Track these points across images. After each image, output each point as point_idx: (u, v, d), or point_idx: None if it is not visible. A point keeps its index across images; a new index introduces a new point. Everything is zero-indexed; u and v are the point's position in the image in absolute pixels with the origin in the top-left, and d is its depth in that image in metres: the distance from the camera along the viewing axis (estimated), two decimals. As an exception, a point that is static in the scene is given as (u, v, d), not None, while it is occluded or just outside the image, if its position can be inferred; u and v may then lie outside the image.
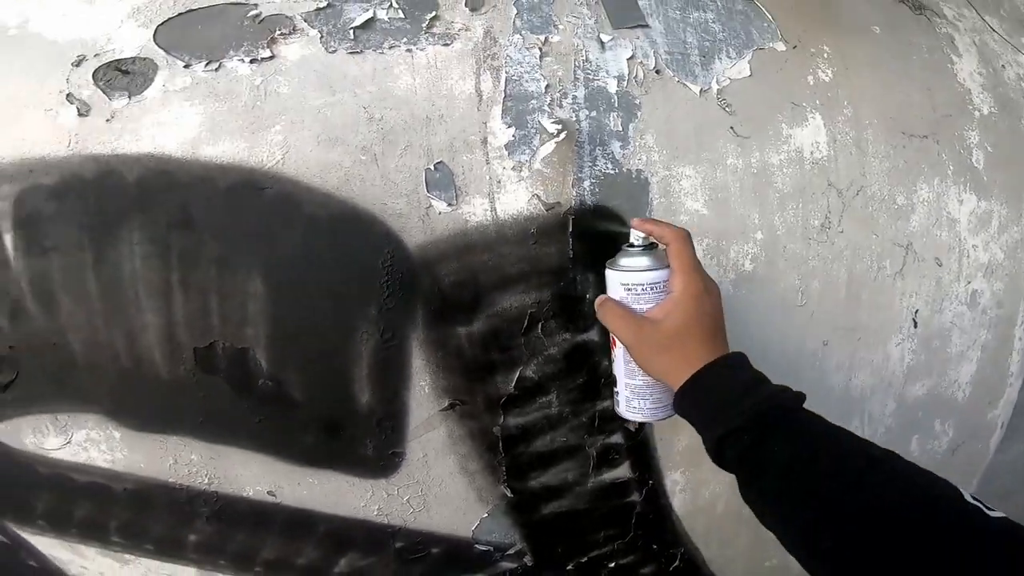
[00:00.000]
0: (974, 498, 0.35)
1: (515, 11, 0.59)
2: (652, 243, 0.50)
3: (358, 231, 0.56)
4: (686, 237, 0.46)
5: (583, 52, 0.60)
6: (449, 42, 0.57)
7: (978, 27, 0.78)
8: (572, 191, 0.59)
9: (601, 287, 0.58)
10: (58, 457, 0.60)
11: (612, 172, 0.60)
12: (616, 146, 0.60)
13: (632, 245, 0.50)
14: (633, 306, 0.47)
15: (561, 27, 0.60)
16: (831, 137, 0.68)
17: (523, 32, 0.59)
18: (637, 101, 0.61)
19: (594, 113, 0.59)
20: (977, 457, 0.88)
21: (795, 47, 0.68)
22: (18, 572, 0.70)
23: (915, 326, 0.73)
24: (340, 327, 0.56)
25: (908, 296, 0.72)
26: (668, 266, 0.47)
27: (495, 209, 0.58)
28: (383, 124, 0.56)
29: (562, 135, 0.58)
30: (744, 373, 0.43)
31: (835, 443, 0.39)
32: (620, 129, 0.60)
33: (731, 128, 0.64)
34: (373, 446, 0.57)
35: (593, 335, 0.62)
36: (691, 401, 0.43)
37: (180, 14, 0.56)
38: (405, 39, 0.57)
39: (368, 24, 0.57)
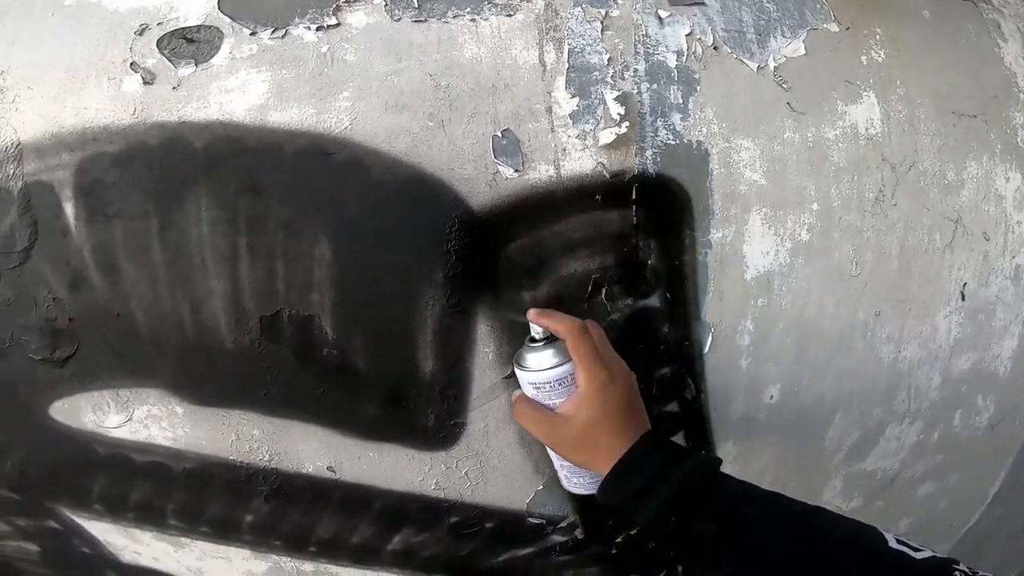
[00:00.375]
0: (899, 540, 0.36)
1: None
2: (553, 336, 0.48)
3: (426, 196, 0.55)
4: (581, 329, 0.45)
5: (643, 27, 0.59)
6: (512, 12, 0.56)
7: (1022, 13, 0.77)
8: (635, 160, 0.58)
9: (662, 253, 0.57)
10: (118, 436, 0.58)
11: (673, 143, 0.59)
12: (677, 118, 0.59)
13: (534, 340, 0.48)
14: (545, 402, 0.47)
15: (620, 2, 0.59)
16: (885, 114, 0.67)
17: (583, 5, 0.58)
18: (696, 76, 0.60)
19: (655, 86, 0.58)
20: (1012, 437, 0.85)
21: (848, 28, 0.67)
22: (70, 560, 0.67)
23: (963, 299, 0.71)
24: (406, 292, 0.55)
25: (957, 269, 0.71)
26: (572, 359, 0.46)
27: (560, 176, 0.57)
28: (449, 91, 0.55)
29: (628, 105, 0.57)
30: (658, 454, 0.42)
31: (757, 508, 0.40)
32: (680, 102, 0.59)
33: (787, 104, 0.63)
34: (435, 416, 0.56)
35: (654, 301, 0.61)
36: (613, 492, 0.43)
37: None
38: (469, 8, 0.56)
39: None
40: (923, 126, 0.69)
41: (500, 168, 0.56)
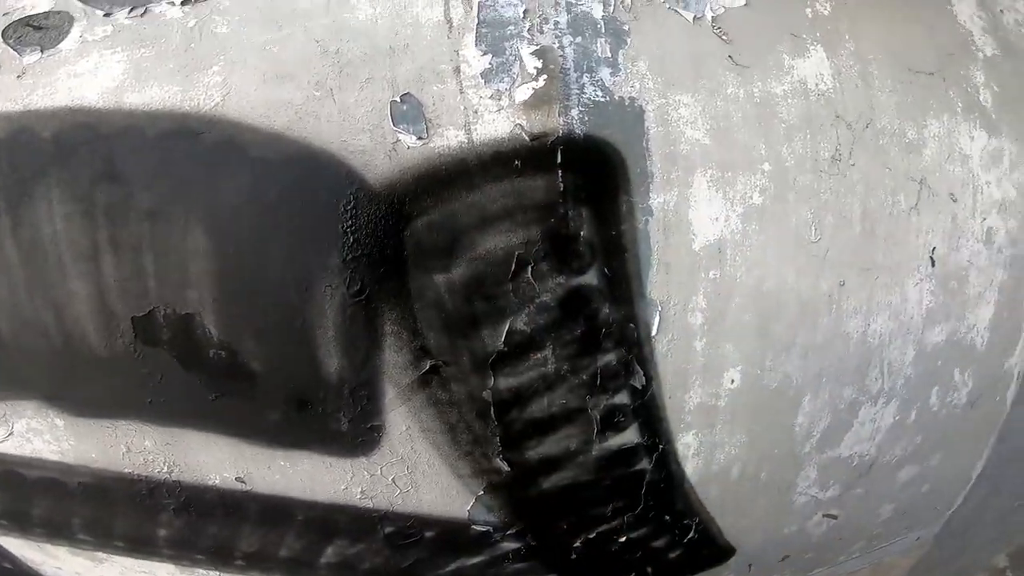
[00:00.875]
0: None
1: None
2: None
3: (314, 172, 0.47)
4: None
5: None
6: None
7: None
8: (559, 120, 0.49)
9: (595, 223, 0.50)
10: (3, 451, 0.51)
11: (602, 100, 0.50)
12: (605, 73, 0.51)
13: None
14: None
15: None
16: (835, 70, 0.58)
17: None
18: (626, 27, 0.52)
19: (579, 39, 0.50)
20: (994, 413, 0.76)
21: None
22: (-3, 574, 0.61)
23: (932, 265, 0.62)
24: (298, 282, 0.47)
25: (924, 232, 0.62)
26: None
27: (472, 141, 0.48)
28: (339, 57, 0.47)
29: (546, 60, 0.49)
30: None
31: None
32: (609, 55, 0.51)
33: (729, 56, 0.54)
34: (348, 420, 0.49)
35: (590, 278, 0.52)
36: None
37: None
38: None
39: None
40: (878, 82, 0.60)
41: (400, 136, 0.47)
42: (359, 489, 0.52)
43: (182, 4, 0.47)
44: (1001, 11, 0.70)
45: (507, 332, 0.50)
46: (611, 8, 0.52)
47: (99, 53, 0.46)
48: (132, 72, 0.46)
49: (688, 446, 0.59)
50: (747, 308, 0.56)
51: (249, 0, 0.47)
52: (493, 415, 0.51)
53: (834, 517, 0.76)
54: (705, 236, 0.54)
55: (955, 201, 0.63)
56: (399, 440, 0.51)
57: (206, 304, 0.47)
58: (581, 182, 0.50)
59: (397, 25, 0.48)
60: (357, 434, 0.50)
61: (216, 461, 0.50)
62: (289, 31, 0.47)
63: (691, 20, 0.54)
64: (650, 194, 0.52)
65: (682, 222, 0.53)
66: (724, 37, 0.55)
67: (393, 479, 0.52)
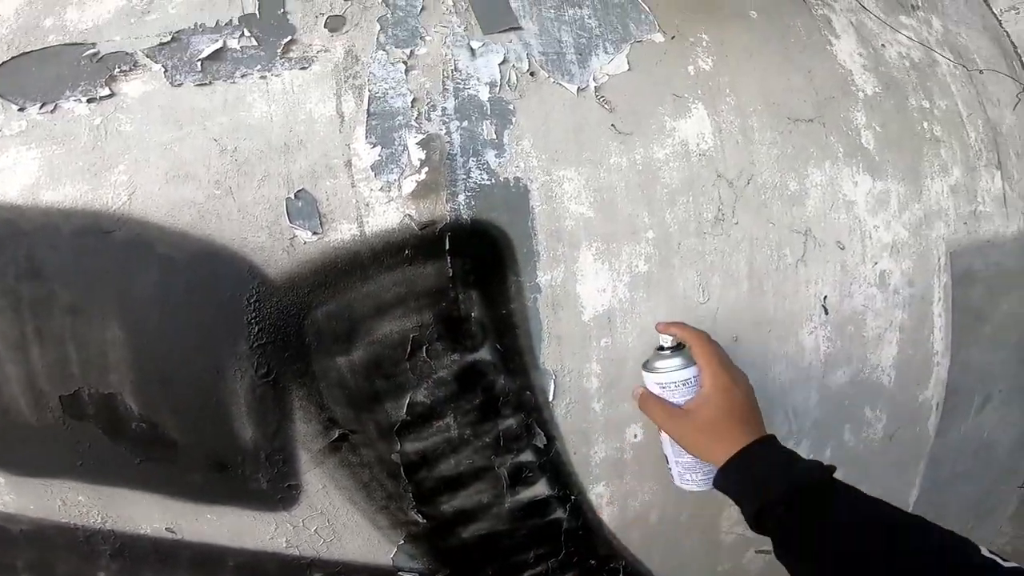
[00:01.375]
0: (990, 552, 0.37)
1: (379, 27, 0.53)
2: (680, 343, 0.52)
3: (218, 268, 0.51)
4: (707, 337, 0.50)
5: (452, 61, 0.54)
6: (307, 65, 0.52)
7: (854, 7, 0.73)
8: (446, 207, 0.53)
9: (485, 304, 0.54)
10: None
11: (488, 183, 0.54)
12: (491, 155, 0.54)
13: (662, 348, 0.52)
14: (669, 399, 0.51)
15: (429, 38, 0.55)
16: (716, 127, 0.61)
17: (388, 47, 0.53)
18: (511, 106, 0.55)
19: (466, 123, 0.54)
20: (918, 442, 0.79)
21: (673, 37, 0.62)
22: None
23: (825, 312, 0.66)
24: (209, 367, 0.51)
25: (813, 283, 0.65)
26: (696, 363, 0.50)
27: (364, 233, 0.51)
28: (237, 155, 0.51)
29: (429, 150, 0.53)
30: (775, 454, 0.46)
31: (860, 515, 0.42)
32: (494, 137, 0.54)
33: (612, 125, 0.57)
34: (266, 480, 0.53)
35: (484, 354, 0.55)
36: (731, 481, 0.46)
37: (14, 57, 0.51)
38: (259, 66, 0.52)
39: (217, 55, 0.52)
40: (758, 135, 0.63)
41: (297, 232, 0.51)
42: (284, 539, 0.56)
43: (88, 101, 0.51)
44: (883, 45, 0.73)
45: (408, 404, 0.54)
46: (497, 89, 0.55)
47: (16, 149, 0.50)
48: (46, 169, 0.49)
49: (601, 496, 0.62)
50: (645, 367, 0.60)
51: (151, 98, 0.51)
52: (403, 475, 0.55)
53: (768, 552, 0.81)
54: (594, 307, 0.57)
55: (843, 249, 0.66)
56: (317, 497, 0.54)
57: (126, 386, 0.51)
58: (470, 266, 0.53)
59: (291, 121, 0.52)
60: (276, 492, 0.53)
61: (146, 514, 0.54)
62: (189, 130, 0.51)
63: (575, 92, 0.58)
64: (537, 272, 0.55)
65: (570, 296, 0.57)
66: (607, 106, 0.58)
67: (316, 530, 0.56)
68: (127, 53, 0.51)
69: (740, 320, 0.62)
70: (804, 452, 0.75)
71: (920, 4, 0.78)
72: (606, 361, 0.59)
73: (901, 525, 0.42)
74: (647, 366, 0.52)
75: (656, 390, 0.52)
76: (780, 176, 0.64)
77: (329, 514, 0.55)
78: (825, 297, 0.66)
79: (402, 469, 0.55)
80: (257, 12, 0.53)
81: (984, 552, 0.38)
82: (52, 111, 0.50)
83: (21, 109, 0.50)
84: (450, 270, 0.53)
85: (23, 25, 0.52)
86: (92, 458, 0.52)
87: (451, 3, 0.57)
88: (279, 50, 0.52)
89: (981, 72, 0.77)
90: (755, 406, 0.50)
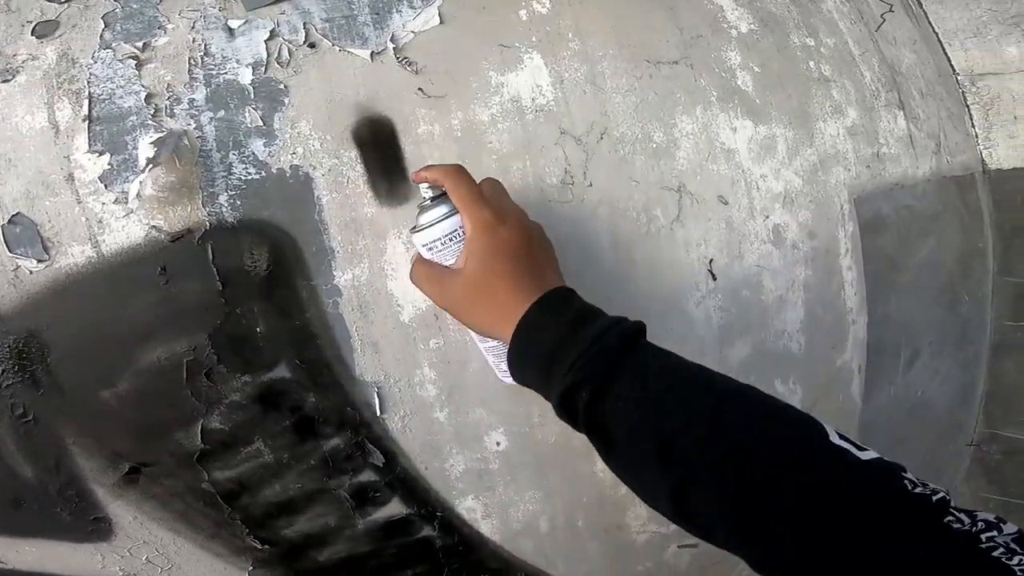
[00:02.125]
0: (841, 436, 0.30)
1: (103, 24, 0.43)
2: (442, 193, 0.39)
3: None
4: (458, 171, 0.37)
5: (201, 47, 0.44)
6: (10, 77, 0.42)
7: None
8: (204, 211, 0.42)
9: (271, 316, 0.44)
10: None
11: (257, 176, 0.43)
12: (258, 144, 0.44)
13: (423, 201, 0.39)
14: (443, 263, 0.38)
15: (171, 27, 0.44)
16: (556, 77, 0.51)
17: (115, 44, 0.43)
18: (283, 86, 0.44)
19: (222, 113, 0.43)
20: (844, 411, 0.70)
21: None
22: None
23: (713, 278, 0.56)
24: None
25: (695, 246, 0.55)
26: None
27: (102, 254, 0.41)
28: None
29: (171, 148, 0.41)
30: (567, 312, 0.34)
31: (679, 384, 0.33)
32: (261, 124, 0.44)
33: (419, 90, 0.47)
34: (68, 514, 0.45)
35: (282, 372, 0.45)
36: (521, 359, 0.34)
37: None
38: None
39: None
40: (611, 83, 0.52)
41: (20, 262, 0.40)
42: (118, 567, 0.47)
43: None
44: None
45: (202, 432, 0.44)
46: (263, 69, 0.44)
47: None
48: None
49: (473, 510, 0.52)
50: (488, 371, 0.48)
51: None
52: (223, 503, 0.46)
53: (693, 547, 0.72)
54: (415, 305, 0.47)
55: (726, 204, 0.56)
56: (132, 528, 0.46)
57: None
58: (244, 275, 0.43)
59: None
60: (84, 525, 0.45)
61: None
62: None
63: (368, 57, 0.47)
64: (334, 272, 0.45)
65: (380, 296, 0.46)
66: (411, 68, 0.47)
67: (147, 558, 0.47)
68: None
69: (608, 299, 0.51)
70: None
71: None
72: (441, 365, 0.48)
73: (734, 395, 0.33)
74: (412, 228, 0.40)
75: (426, 255, 0.39)
76: (641, 127, 0.53)
77: (155, 544, 0.47)
78: (711, 261, 0.56)
79: (219, 498, 0.46)
80: None
81: (833, 437, 0.30)
82: None
83: None
84: (219, 283, 0.42)
85: None
86: None
87: None
88: None
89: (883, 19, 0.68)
90: (539, 251, 0.37)
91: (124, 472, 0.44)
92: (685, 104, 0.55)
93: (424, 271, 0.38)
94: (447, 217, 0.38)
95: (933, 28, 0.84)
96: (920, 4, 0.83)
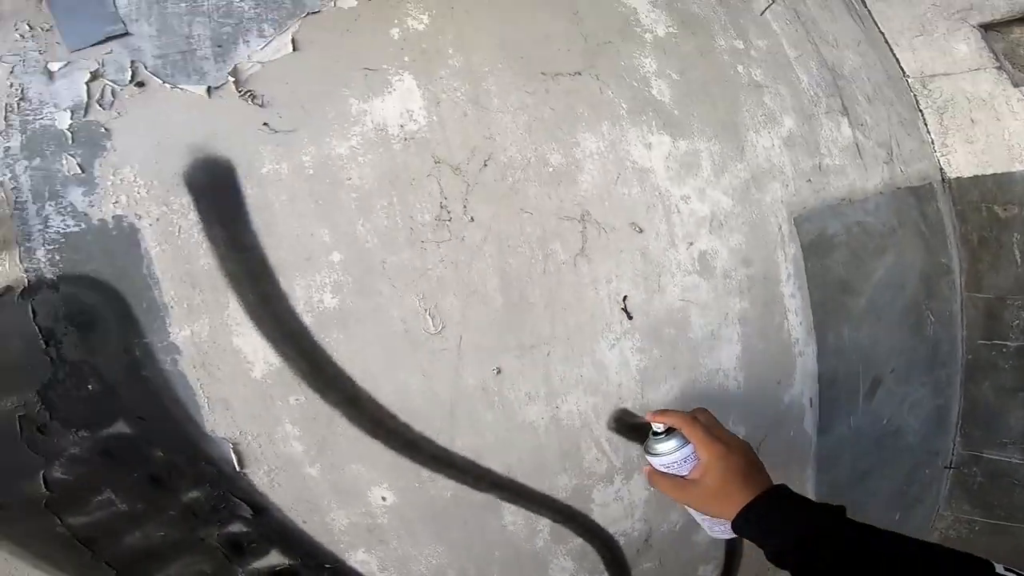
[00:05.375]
0: (1007, 568, 0.34)
1: None
2: (670, 428, 0.49)
3: None
4: (692, 419, 0.47)
5: (18, 91, 0.36)
6: None
7: None
8: (21, 268, 0.34)
9: (103, 373, 0.36)
10: None
11: (76, 229, 0.35)
12: (77, 194, 0.36)
13: (656, 433, 0.48)
14: (676, 473, 0.49)
15: None
16: (431, 99, 0.41)
17: None
18: (106, 129, 0.36)
19: (38, 161, 0.35)
20: (794, 447, 0.58)
21: None
22: None
23: (629, 317, 0.45)
24: None
25: (604, 281, 0.44)
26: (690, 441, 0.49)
27: None
28: None
29: None
30: (781, 505, 0.45)
31: (875, 549, 0.40)
32: (79, 172, 0.35)
33: (264, 124, 0.37)
34: None
35: (122, 427, 0.37)
36: (745, 532, 0.45)
37: None
38: None
39: None
40: (497, 101, 0.42)
41: None
42: None
43: None
44: None
45: (46, 481, 0.37)
46: (83, 112, 0.36)
47: None
48: None
49: (367, 563, 0.44)
50: (363, 426, 0.39)
51: None
52: (84, 547, 0.39)
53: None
54: (267, 362, 0.37)
55: (640, 232, 0.45)
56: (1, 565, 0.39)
57: None
58: (70, 334, 0.35)
59: None
60: None
61: None
62: None
63: (204, 94, 0.38)
64: (169, 329, 0.36)
65: (226, 352, 0.37)
66: (256, 101, 0.38)
67: None
68: None
69: (502, 347, 0.41)
70: (642, 486, 0.57)
71: None
72: (305, 420, 0.39)
73: (912, 557, 0.39)
74: (647, 449, 0.50)
75: (660, 468, 0.50)
76: (535, 149, 0.43)
77: None
78: (625, 297, 0.45)
79: (78, 542, 0.39)
80: None
81: (999, 570, 0.35)
82: None
83: None
84: (43, 341, 0.34)
85: None
86: None
87: (27, 28, 0.37)
88: None
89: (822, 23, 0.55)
90: (754, 461, 0.48)
91: None
92: (589, 120, 0.44)
93: (666, 480, 0.49)
94: (680, 448, 0.48)
95: (879, 28, 0.71)
96: (864, 3, 0.70)
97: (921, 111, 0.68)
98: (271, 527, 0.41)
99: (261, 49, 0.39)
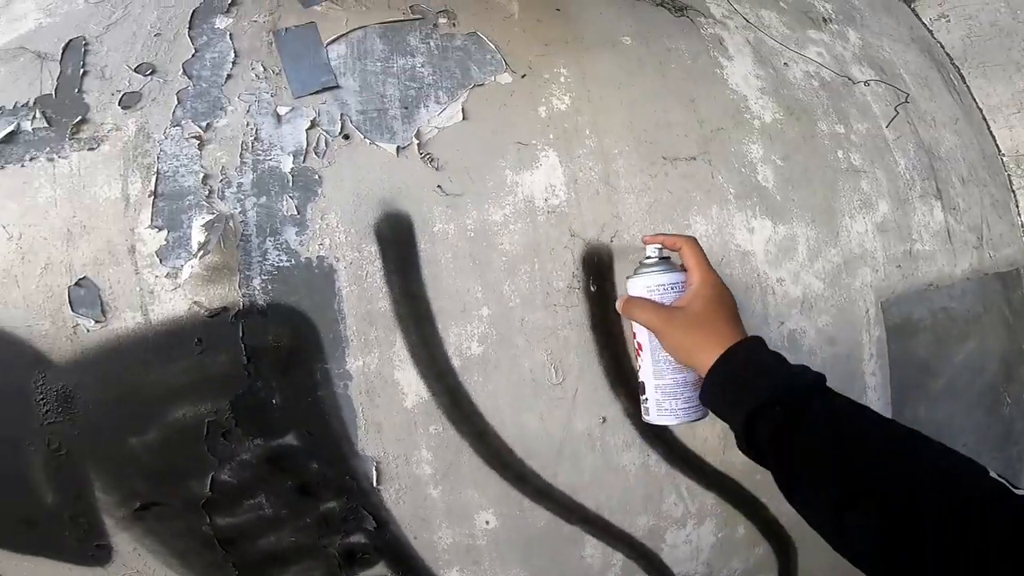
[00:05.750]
0: (999, 475, 0.31)
1: (177, 101, 0.44)
2: (666, 255, 0.45)
3: (6, 354, 0.43)
4: (695, 240, 0.43)
5: (253, 131, 0.44)
6: (96, 145, 0.43)
7: (753, 23, 0.56)
8: (239, 292, 0.42)
9: (287, 391, 0.43)
10: None
11: (287, 264, 0.42)
12: (291, 234, 0.43)
13: (648, 258, 0.44)
14: (658, 301, 0.43)
15: (232, 108, 0.44)
16: (570, 177, 0.47)
17: (184, 122, 0.44)
18: (317, 176, 0.43)
19: (264, 199, 0.43)
20: None
21: (524, 76, 0.48)
22: None
23: None
24: (5, 440, 0.44)
25: None
26: (681, 271, 0.44)
27: (150, 322, 0.41)
28: (22, 243, 0.42)
29: (217, 232, 0.41)
30: (766, 353, 0.39)
31: (859, 420, 0.35)
32: (295, 213, 0.43)
33: (438, 187, 0.44)
34: (75, 538, 0.46)
35: (291, 440, 0.43)
36: (721, 379, 0.38)
37: None
38: (48, 148, 0.43)
39: (11, 137, 0.43)
40: (624, 182, 0.48)
41: (80, 320, 0.41)
42: None
43: None
44: (786, 64, 0.55)
45: (212, 482, 0.44)
46: (302, 158, 0.43)
47: None
48: None
49: None
50: (484, 456, 0.45)
51: None
52: (219, 547, 0.46)
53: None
54: (418, 395, 0.44)
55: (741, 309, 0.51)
56: (130, 557, 0.46)
57: None
58: (268, 354, 0.42)
59: (76, 206, 0.42)
60: (86, 550, 0.46)
61: None
62: None
63: (395, 152, 0.45)
64: (347, 359, 0.43)
65: (387, 383, 0.43)
66: (433, 164, 0.45)
67: None
68: (-62, 135, 0.43)
69: (609, 400, 0.47)
70: (711, 531, 0.57)
71: (833, 16, 0.60)
72: (438, 448, 0.45)
73: (905, 436, 0.34)
74: (634, 273, 0.45)
75: (643, 293, 0.44)
76: (653, 229, 0.48)
77: (147, 574, 0.46)
78: (719, 365, 0.50)
79: (217, 542, 0.46)
80: (54, 92, 0.44)
81: (992, 475, 0.31)
82: None
83: None
84: (245, 358, 0.42)
85: None
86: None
87: (262, 69, 0.46)
88: (69, 131, 0.43)
89: (907, 98, 0.58)
90: (738, 312, 0.42)
91: (135, 508, 0.45)
92: (700, 203, 0.49)
93: (646, 303, 0.43)
94: (674, 271, 0.44)
95: (977, 104, 0.72)
96: (963, 78, 0.71)
97: (1014, 191, 0.68)
98: (385, 540, 0.47)
99: (438, 115, 0.46)
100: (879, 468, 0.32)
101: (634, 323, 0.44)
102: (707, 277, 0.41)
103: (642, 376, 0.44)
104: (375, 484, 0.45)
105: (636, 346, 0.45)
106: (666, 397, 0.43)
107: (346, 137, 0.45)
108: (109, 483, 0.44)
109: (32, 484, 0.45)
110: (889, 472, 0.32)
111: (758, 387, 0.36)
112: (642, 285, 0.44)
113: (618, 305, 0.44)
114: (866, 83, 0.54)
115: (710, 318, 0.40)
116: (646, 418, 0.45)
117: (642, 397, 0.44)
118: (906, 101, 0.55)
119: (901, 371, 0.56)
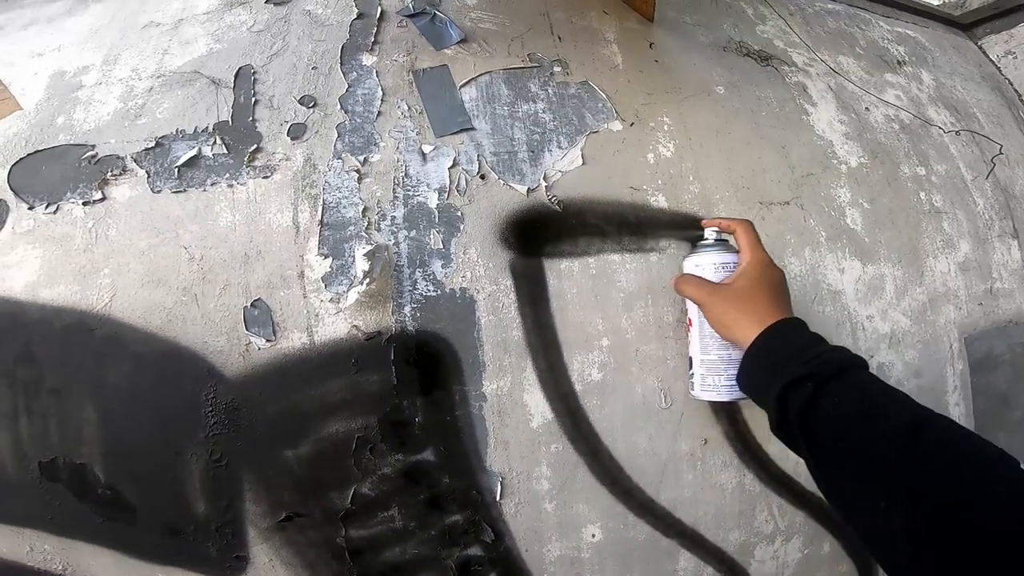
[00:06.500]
0: None
1: (336, 134, 0.48)
2: (723, 239, 0.48)
3: (181, 367, 0.48)
4: (750, 223, 0.45)
5: (403, 167, 0.48)
6: (269, 174, 0.48)
7: (833, 69, 0.60)
8: (392, 319, 0.47)
9: (429, 410, 0.48)
10: None
11: (434, 294, 0.47)
12: (437, 266, 0.47)
13: (705, 239, 0.48)
14: (708, 279, 0.46)
15: (383, 144, 0.49)
16: None
17: (344, 155, 0.48)
18: (459, 213, 0.48)
19: (414, 232, 0.47)
20: None
21: (632, 124, 0.53)
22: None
23: None
24: (169, 449, 0.48)
25: None
26: (736, 252, 0.46)
27: (314, 342, 0.47)
28: (203, 264, 0.47)
29: (376, 261, 0.47)
30: (806, 332, 0.39)
31: (891, 402, 0.34)
32: (441, 247, 0.47)
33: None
34: (216, 549, 0.49)
35: (428, 455, 0.48)
36: (757, 356, 0.39)
37: (29, 155, 0.50)
38: (228, 174, 0.48)
39: (193, 161, 0.49)
40: None
41: (252, 339, 0.47)
42: None
43: (83, 204, 0.49)
44: (867, 109, 0.58)
45: (353, 495, 0.48)
46: (446, 195, 0.48)
47: (23, 247, 0.49)
48: (46, 268, 0.48)
49: None
50: (596, 472, 0.49)
51: (135, 204, 0.49)
52: (348, 558, 0.49)
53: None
54: (543, 416, 0.48)
55: None
56: (263, 569, 0.49)
57: (96, 458, 0.49)
58: (414, 375, 0.47)
59: (252, 232, 0.47)
60: (225, 561, 0.49)
61: (103, 566, 0.51)
62: (164, 237, 0.48)
63: (525, 193, 0.50)
64: (483, 382, 0.47)
65: (517, 405, 0.48)
66: (558, 205, 0.50)
67: None
68: (118, 157, 0.50)
69: (711, 424, 0.50)
70: (796, 548, 0.59)
71: (907, 59, 0.63)
72: (557, 465, 0.49)
73: (932, 423, 0.32)
74: (689, 254, 0.48)
75: (695, 271, 0.47)
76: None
77: None
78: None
79: (347, 553, 0.49)
80: (230, 119, 0.50)
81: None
82: (55, 212, 0.49)
83: (31, 208, 0.49)
84: (394, 379, 0.46)
85: (39, 121, 0.51)
86: (61, 514, 0.50)
87: (407, 107, 0.51)
88: (246, 158, 0.48)
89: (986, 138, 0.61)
90: (787, 292, 0.43)
91: (280, 518, 0.48)
92: (794, 246, 0.53)
93: (697, 280, 0.45)
94: (723, 251, 0.46)
95: None
96: None
97: (1085, 229, 0.70)
98: (499, 552, 0.51)
99: (561, 159, 0.51)
100: (907, 453, 0.31)
101: (686, 300, 0.46)
102: (757, 257, 0.43)
103: (691, 351, 0.48)
104: (498, 498, 0.49)
105: (687, 321, 0.48)
106: (710, 372, 0.45)
107: (483, 177, 0.50)
108: (260, 494, 0.48)
109: (185, 493, 0.49)
110: (917, 459, 0.31)
111: (794, 363, 0.37)
112: (696, 263, 0.47)
113: (671, 282, 0.47)
114: (957, 132, 0.57)
115: (753, 296, 0.42)
116: (692, 393, 0.48)
117: (689, 372, 0.48)
118: (1000, 152, 0.58)
119: (982, 402, 0.58)
